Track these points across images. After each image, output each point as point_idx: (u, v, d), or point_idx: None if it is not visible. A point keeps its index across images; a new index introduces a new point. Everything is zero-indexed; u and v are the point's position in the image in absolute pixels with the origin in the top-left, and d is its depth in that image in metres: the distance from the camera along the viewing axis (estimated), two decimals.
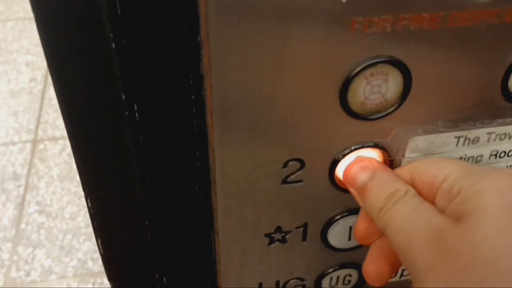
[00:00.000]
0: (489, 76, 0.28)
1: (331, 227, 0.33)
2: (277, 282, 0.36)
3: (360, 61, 0.26)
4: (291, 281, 0.36)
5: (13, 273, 1.18)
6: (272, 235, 0.33)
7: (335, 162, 0.30)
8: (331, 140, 0.29)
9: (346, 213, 0.33)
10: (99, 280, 1.17)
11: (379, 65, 0.26)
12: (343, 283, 0.37)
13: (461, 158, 0.31)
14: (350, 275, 0.37)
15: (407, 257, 0.26)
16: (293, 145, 0.29)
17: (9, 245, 1.23)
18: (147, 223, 0.31)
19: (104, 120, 0.27)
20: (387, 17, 0.25)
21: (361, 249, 0.35)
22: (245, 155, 0.29)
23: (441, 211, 0.26)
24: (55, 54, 0.24)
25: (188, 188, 0.30)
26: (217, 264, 0.34)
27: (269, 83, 0.26)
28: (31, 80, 1.67)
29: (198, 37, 0.24)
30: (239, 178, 0.30)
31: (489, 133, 0.30)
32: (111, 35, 0.24)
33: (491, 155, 0.31)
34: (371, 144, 0.30)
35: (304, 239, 0.34)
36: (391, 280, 0.32)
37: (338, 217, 0.33)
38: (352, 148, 0.30)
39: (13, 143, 1.47)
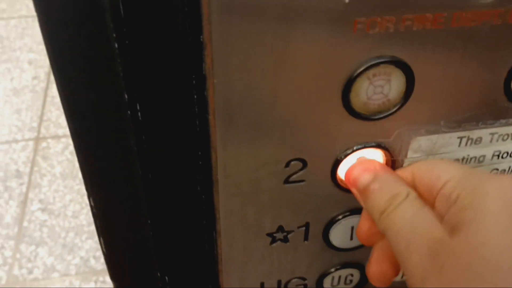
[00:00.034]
0: (492, 76, 0.28)
1: (333, 226, 0.33)
2: (279, 282, 0.36)
3: (363, 61, 0.26)
4: (293, 280, 0.36)
5: (16, 271, 1.18)
6: (274, 235, 0.33)
7: (337, 162, 0.30)
8: (334, 140, 0.29)
9: (348, 213, 0.33)
10: (101, 278, 1.17)
11: (381, 65, 0.26)
12: (345, 283, 0.37)
13: (463, 158, 0.31)
14: (352, 275, 0.37)
15: (404, 264, 0.26)
16: (295, 145, 0.29)
17: (11, 242, 1.23)
18: (149, 222, 0.31)
19: (107, 120, 0.27)
20: (390, 17, 0.25)
21: (363, 249, 0.35)
22: (247, 155, 0.29)
23: (440, 216, 0.26)
24: (58, 54, 0.24)
25: (190, 188, 0.30)
26: (219, 263, 0.34)
27: (271, 83, 0.26)
28: (34, 78, 1.67)
29: (201, 37, 0.24)
30: (241, 177, 0.30)
31: (492, 134, 0.30)
32: (114, 35, 0.24)
33: (493, 155, 0.31)
34: (373, 144, 0.30)
35: (306, 238, 0.34)
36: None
37: (340, 217, 0.33)
38: (355, 148, 0.30)
39: (16, 141, 1.48)
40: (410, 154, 0.30)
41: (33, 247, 1.22)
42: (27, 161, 1.42)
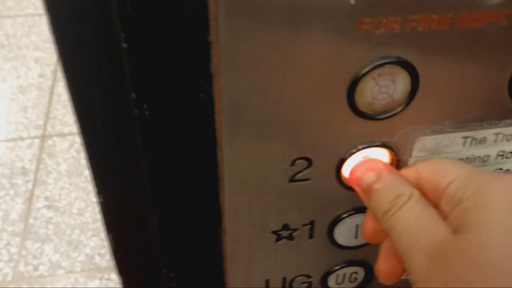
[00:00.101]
0: (497, 77, 0.28)
1: (338, 225, 0.34)
2: (284, 279, 0.36)
3: (368, 61, 0.26)
4: (298, 278, 0.37)
5: (22, 268, 1.19)
6: (279, 232, 0.33)
7: (342, 161, 0.30)
8: (339, 139, 0.29)
9: (353, 211, 0.33)
10: (106, 276, 1.17)
11: (387, 65, 0.26)
12: (350, 281, 0.38)
13: (468, 158, 0.31)
14: (357, 273, 0.37)
15: (408, 264, 0.26)
16: (300, 144, 0.29)
17: (17, 239, 1.24)
18: (155, 219, 0.31)
19: (114, 118, 0.27)
20: (396, 18, 0.25)
21: (368, 247, 0.35)
22: (253, 153, 0.29)
23: (445, 215, 0.26)
24: (67, 52, 0.25)
25: (196, 185, 0.30)
26: (225, 260, 0.34)
27: (277, 82, 0.26)
28: (40, 76, 1.68)
29: (208, 37, 0.24)
30: (247, 176, 0.30)
31: (496, 134, 0.30)
32: (122, 35, 0.24)
33: (498, 155, 0.31)
34: (378, 143, 0.30)
35: (311, 236, 0.34)
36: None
37: (345, 215, 0.33)
38: (360, 147, 0.30)
39: (22, 139, 1.48)
40: (414, 153, 0.30)
41: (38, 244, 1.23)
42: (33, 159, 1.42)
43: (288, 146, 0.29)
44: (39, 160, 1.41)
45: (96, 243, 1.23)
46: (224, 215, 0.32)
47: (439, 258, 0.24)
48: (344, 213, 0.33)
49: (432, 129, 0.29)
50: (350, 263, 0.37)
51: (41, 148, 1.45)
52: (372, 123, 0.29)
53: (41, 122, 1.52)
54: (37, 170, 1.39)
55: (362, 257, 0.36)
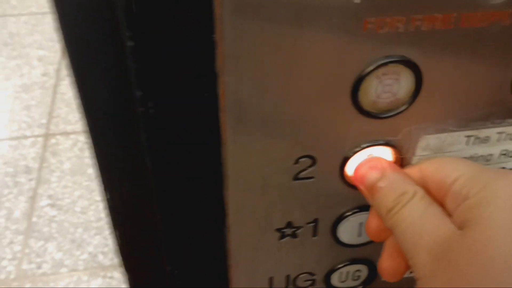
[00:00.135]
0: (500, 76, 0.28)
1: (342, 223, 0.34)
2: (288, 277, 0.37)
3: (372, 60, 0.26)
4: (301, 275, 0.37)
5: (25, 266, 1.19)
6: (283, 230, 0.33)
7: (346, 160, 0.30)
8: (343, 138, 0.29)
9: (356, 210, 0.33)
10: (109, 274, 1.18)
11: (390, 64, 0.26)
12: (353, 279, 0.38)
13: (471, 157, 0.31)
14: (360, 271, 0.37)
15: (412, 261, 0.26)
16: (304, 142, 0.29)
17: (20, 237, 1.24)
18: (160, 216, 0.31)
19: (120, 116, 0.27)
20: (400, 17, 0.25)
21: (371, 245, 0.35)
22: (257, 152, 0.29)
23: (449, 213, 0.26)
24: (74, 50, 0.25)
25: (200, 183, 0.31)
26: (228, 258, 0.34)
27: (282, 81, 0.26)
28: (44, 74, 1.68)
29: (213, 36, 0.25)
30: (251, 174, 0.30)
31: (500, 133, 0.30)
32: (128, 33, 0.24)
33: (501, 154, 0.31)
34: (382, 142, 0.30)
35: (314, 234, 0.34)
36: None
37: (348, 213, 0.33)
38: (363, 145, 0.30)
39: (25, 137, 1.49)
40: (418, 152, 0.30)
41: (42, 242, 1.23)
42: (37, 157, 1.43)
43: (292, 144, 0.29)
44: (43, 159, 1.42)
45: (99, 242, 1.23)
46: (228, 213, 0.32)
47: (443, 255, 0.25)
48: (348, 211, 0.33)
49: (436, 128, 0.30)
50: (353, 261, 0.37)
51: (45, 146, 1.46)
52: (376, 121, 0.29)
53: (44, 121, 1.53)
54: (40, 168, 1.40)
55: (366, 255, 0.36)
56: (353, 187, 0.32)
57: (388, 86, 0.27)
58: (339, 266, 0.37)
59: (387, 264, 0.31)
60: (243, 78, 0.26)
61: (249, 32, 0.24)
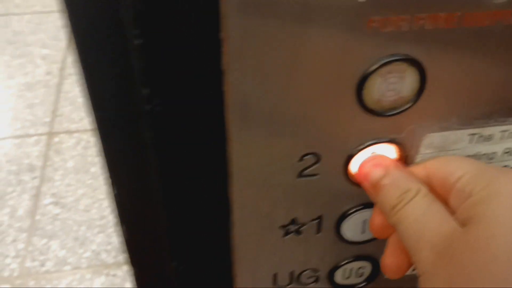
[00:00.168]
0: (504, 75, 0.29)
1: (345, 220, 0.34)
2: (292, 273, 0.37)
3: (376, 59, 0.26)
4: (305, 272, 0.37)
5: (28, 263, 1.20)
6: (287, 227, 0.34)
7: (350, 157, 0.31)
8: (347, 135, 0.30)
9: (360, 207, 0.33)
10: (112, 272, 1.18)
11: (394, 63, 0.27)
12: (356, 276, 0.38)
13: (474, 155, 0.31)
14: (364, 268, 0.38)
15: (414, 258, 0.27)
16: (309, 140, 0.30)
17: (24, 235, 1.25)
18: (165, 213, 0.32)
19: (127, 113, 0.28)
20: (404, 16, 0.25)
21: (375, 242, 0.35)
22: (262, 149, 0.29)
23: (453, 211, 0.27)
24: (83, 48, 0.25)
25: (205, 180, 0.31)
26: (233, 254, 0.34)
27: (286, 79, 0.27)
28: (47, 73, 1.69)
29: (219, 34, 0.25)
30: (255, 171, 0.30)
31: (503, 131, 0.31)
32: (135, 31, 0.25)
33: (504, 152, 0.32)
34: (386, 139, 0.30)
35: (318, 231, 0.34)
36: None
37: (352, 210, 0.34)
38: (368, 143, 0.30)
39: (29, 136, 1.49)
40: (422, 150, 0.30)
41: (45, 240, 1.24)
42: (40, 156, 1.43)
43: (296, 141, 0.29)
44: (46, 157, 1.42)
45: (102, 240, 1.24)
46: (232, 210, 0.32)
47: (446, 251, 0.25)
48: (352, 208, 0.34)
49: (440, 126, 0.30)
50: (357, 258, 0.37)
51: (48, 145, 1.46)
52: (380, 119, 0.29)
53: (48, 119, 1.53)
54: (44, 166, 1.40)
55: (369, 252, 0.37)
56: (356, 184, 0.32)
57: (392, 85, 0.28)
58: (343, 263, 0.37)
59: (389, 261, 0.31)
60: (248, 75, 0.26)
61: (255, 31, 0.25)
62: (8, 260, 1.20)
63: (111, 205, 1.25)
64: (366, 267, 0.38)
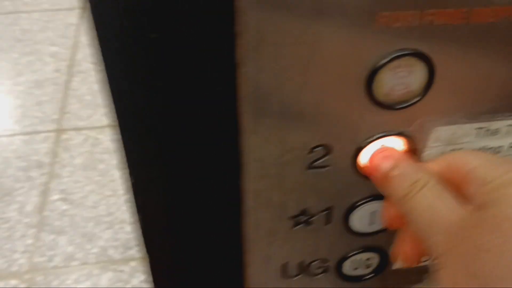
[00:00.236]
0: (510, 70, 0.29)
1: (355, 211, 0.34)
2: (301, 263, 0.37)
3: (386, 53, 0.27)
4: (314, 262, 0.38)
5: (36, 259, 1.20)
6: (298, 218, 0.34)
7: (360, 149, 0.31)
8: (357, 128, 0.30)
9: (369, 198, 0.34)
10: (119, 268, 1.19)
11: (404, 58, 0.27)
12: (364, 267, 0.39)
13: (481, 149, 0.32)
14: (372, 259, 0.38)
15: (428, 243, 0.27)
16: (320, 132, 0.30)
17: (32, 231, 1.25)
18: (178, 202, 0.32)
19: (146, 107, 0.28)
20: (413, 12, 0.26)
21: (383, 233, 0.36)
22: (274, 141, 0.30)
23: (469, 197, 0.27)
24: (104, 45, 0.26)
25: (219, 171, 0.32)
26: (244, 243, 0.35)
27: (299, 73, 0.27)
28: (56, 71, 1.69)
29: (234, 28, 0.25)
30: (267, 162, 0.31)
31: (509, 125, 0.31)
32: (150, 26, 0.25)
33: (510, 146, 0.32)
34: (395, 132, 0.31)
35: (328, 222, 0.35)
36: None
37: (361, 202, 0.34)
38: (377, 136, 0.31)
39: (38, 132, 1.50)
40: (430, 143, 0.31)
41: (53, 235, 1.24)
42: (49, 152, 1.44)
43: (307, 134, 0.30)
44: (55, 154, 1.43)
45: (109, 236, 1.24)
46: (244, 200, 0.33)
47: (460, 232, 0.25)
48: (361, 200, 0.34)
49: (447, 120, 0.30)
50: (365, 249, 0.37)
51: (57, 142, 1.47)
52: (389, 113, 0.29)
53: (56, 116, 1.54)
54: (52, 163, 1.41)
55: (377, 243, 0.37)
56: (365, 176, 0.32)
57: (401, 79, 0.28)
58: (351, 254, 0.37)
59: (401, 249, 0.32)
60: (262, 69, 0.27)
61: (269, 25, 0.25)
62: (16, 255, 1.21)
63: (118, 202, 1.26)
64: (374, 259, 0.38)
